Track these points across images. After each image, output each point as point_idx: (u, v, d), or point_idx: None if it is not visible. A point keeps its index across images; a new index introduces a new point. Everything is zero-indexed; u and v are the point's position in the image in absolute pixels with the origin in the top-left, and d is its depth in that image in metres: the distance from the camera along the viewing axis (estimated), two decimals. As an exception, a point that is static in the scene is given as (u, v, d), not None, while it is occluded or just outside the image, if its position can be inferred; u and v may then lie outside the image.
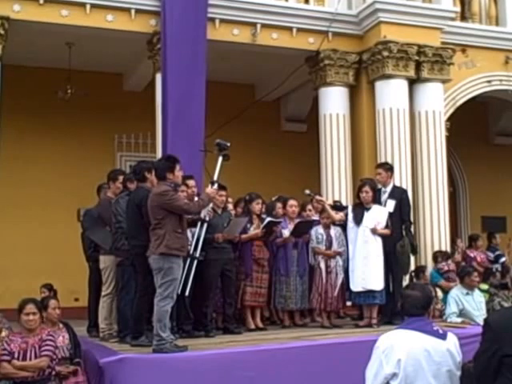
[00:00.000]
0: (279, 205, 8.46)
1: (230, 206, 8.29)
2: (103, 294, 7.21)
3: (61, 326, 6.29)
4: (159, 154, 9.96)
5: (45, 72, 11.83)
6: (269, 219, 7.96)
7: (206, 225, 7.10)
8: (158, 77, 10.44)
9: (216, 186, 6.79)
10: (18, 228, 11.38)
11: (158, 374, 5.83)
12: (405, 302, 4.02)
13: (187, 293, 6.77)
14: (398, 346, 3.79)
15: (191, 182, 7.69)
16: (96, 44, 11.12)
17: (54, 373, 5.78)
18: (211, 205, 7.07)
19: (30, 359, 5.72)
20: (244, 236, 7.82)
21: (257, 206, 8.04)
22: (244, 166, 12.72)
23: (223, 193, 7.72)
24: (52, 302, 6.23)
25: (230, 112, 11.87)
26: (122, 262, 6.96)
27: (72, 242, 11.23)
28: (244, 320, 7.93)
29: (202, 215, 7.12)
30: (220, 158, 6.97)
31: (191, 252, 6.96)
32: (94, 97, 12.09)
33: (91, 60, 11.78)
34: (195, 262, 6.94)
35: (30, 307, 5.86)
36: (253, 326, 7.85)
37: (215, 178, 6.91)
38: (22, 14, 9.83)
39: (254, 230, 7.91)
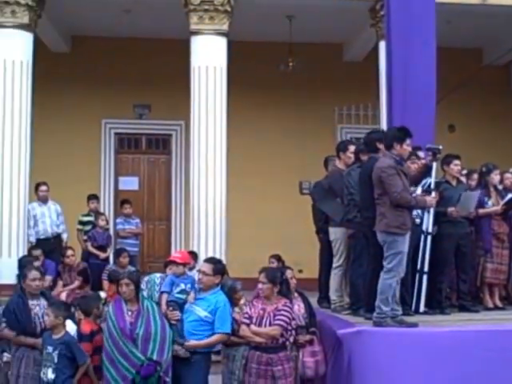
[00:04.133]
0: (498, 177, 7.82)
1: (463, 179, 7.81)
2: (334, 265, 7.14)
3: (296, 295, 6.32)
4: (382, 126, 9.71)
5: (267, 46, 12.06)
6: (510, 195, 7.39)
7: (430, 237, 6.75)
8: (382, 45, 10.12)
9: (434, 194, 6.58)
10: (245, 199, 11.80)
11: (396, 348, 5.67)
12: None
13: (426, 268, 6.51)
14: None
15: (421, 154, 7.35)
16: (316, 15, 11.09)
17: (287, 343, 5.80)
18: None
19: (265, 326, 5.79)
20: (481, 211, 7.34)
21: (495, 178, 7.54)
22: (470, 136, 12.07)
23: (457, 162, 7.28)
24: (288, 272, 6.29)
25: (455, 78, 11.23)
26: (354, 233, 6.84)
27: (294, 215, 11.49)
28: (480, 298, 7.47)
29: (425, 227, 6.76)
30: (434, 164, 6.60)
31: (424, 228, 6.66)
32: (314, 69, 12.15)
33: (311, 32, 11.79)
34: (429, 238, 6.66)
35: (261, 276, 5.93)
36: (491, 305, 7.37)
37: (432, 185, 6.70)
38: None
39: (493, 205, 7.38)
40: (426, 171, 7.09)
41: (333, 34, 12.04)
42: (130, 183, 12.66)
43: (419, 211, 6.86)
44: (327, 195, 7.40)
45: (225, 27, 10.08)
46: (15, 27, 9.79)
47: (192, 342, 5.81)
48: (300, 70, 11.64)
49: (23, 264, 7.37)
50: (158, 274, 6.65)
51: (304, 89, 12.28)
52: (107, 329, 5.80)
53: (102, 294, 7.45)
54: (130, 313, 5.84)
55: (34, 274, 6.10)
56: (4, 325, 5.90)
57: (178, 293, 6.14)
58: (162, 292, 6.19)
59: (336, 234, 7.17)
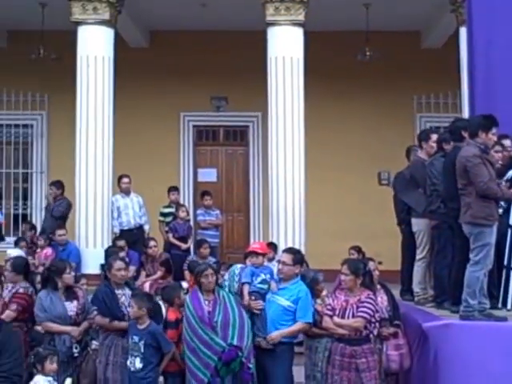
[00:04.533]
0: None
1: None
2: (418, 257, 7.03)
3: (378, 287, 6.27)
4: (464, 115, 9.48)
5: (343, 35, 11.98)
6: None
7: None
8: (462, 30, 9.88)
9: None
10: (323, 190, 11.77)
11: (484, 342, 5.53)
12: None
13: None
14: None
15: (507, 142, 7.11)
16: (393, 2, 10.92)
17: (371, 335, 5.74)
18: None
19: (348, 318, 5.75)
20: None
21: None
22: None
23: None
24: (371, 263, 6.25)
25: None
26: (437, 225, 6.70)
27: (372, 206, 11.39)
28: None
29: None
30: None
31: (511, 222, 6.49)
32: (392, 57, 11.96)
33: (388, 19, 11.61)
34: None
35: (344, 268, 5.89)
36: None
37: None
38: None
39: None
40: (510, 163, 6.88)
41: (410, 21, 11.82)
42: (208, 175, 12.82)
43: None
44: (409, 186, 7.29)
45: (301, 17, 10.04)
46: (97, 23, 10.05)
47: (274, 334, 5.86)
48: (377, 58, 11.47)
49: (109, 254, 7.58)
50: (239, 265, 6.71)
51: (382, 78, 12.12)
52: (185, 319, 5.90)
53: (184, 285, 7.58)
54: (207, 302, 5.93)
55: (119, 264, 6.26)
56: (96, 312, 6.08)
57: (259, 283, 6.19)
58: (243, 283, 6.24)
59: (419, 225, 7.06)
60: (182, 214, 9.87)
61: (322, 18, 11.09)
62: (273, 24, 10.06)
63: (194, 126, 12.94)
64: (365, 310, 5.62)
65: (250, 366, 5.77)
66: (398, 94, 12.12)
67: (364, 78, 12.13)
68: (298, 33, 10.08)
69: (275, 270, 6.42)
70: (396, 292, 7.16)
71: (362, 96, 12.27)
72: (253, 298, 6.07)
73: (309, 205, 9.92)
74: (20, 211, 12.91)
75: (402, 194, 7.40)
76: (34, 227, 10.43)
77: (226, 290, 6.24)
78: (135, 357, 5.79)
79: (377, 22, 11.32)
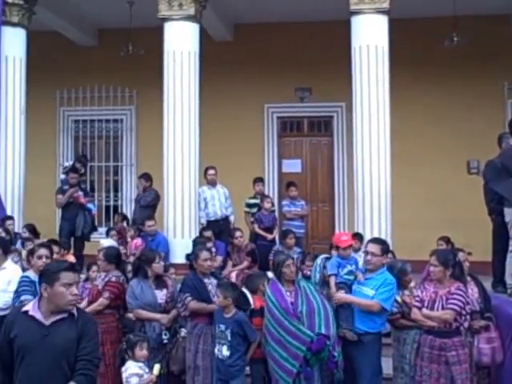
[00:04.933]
0: None
1: None
2: (510, 248, 6.82)
3: (468, 278, 6.12)
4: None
5: (429, 21, 11.67)
6: None
7: None
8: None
9: None
10: (410, 181, 11.55)
11: None
12: None
13: None
14: None
15: None
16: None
17: (462, 328, 5.60)
18: None
19: (437, 310, 5.64)
20: None
21: None
22: None
23: None
24: (460, 254, 6.12)
25: None
26: (531, 215, 6.48)
27: (461, 195, 11.11)
28: None
29: None
30: None
31: None
32: (481, 42, 11.60)
33: (477, 3, 11.21)
34: None
35: (433, 259, 5.79)
36: None
37: None
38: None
39: None
40: None
41: (500, 4, 11.36)
42: (293, 166, 12.82)
43: None
44: (501, 175, 7.05)
45: (385, 5, 9.80)
46: (182, 19, 10.19)
47: (340, 295, 5.88)
48: (465, 44, 11.11)
49: (197, 245, 7.72)
50: (322, 256, 6.70)
51: (470, 64, 11.75)
52: (268, 311, 5.92)
53: (270, 275, 7.63)
54: (288, 293, 5.97)
55: (205, 254, 6.39)
56: (189, 299, 6.21)
57: (346, 274, 6.16)
58: (330, 274, 6.22)
59: (511, 215, 6.83)
60: (266, 204, 9.92)
61: (407, 5, 10.85)
62: (357, 13, 9.88)
63: (278, 118, 12.96)
64: (455, 301, 5.50)
65: (335, 354, 5.77)
66: (488, 80, 11.72)
67: (451, 65, 11.82)
68: (383, 21, 9.85)
69: (361, 261, 6.38)
70: (487, 284, 6.98)
71: (449, 84, 11.94)
72: (342, 291, 6.04)
73: (395, 195, 9.74)
74: (111, 203, 13.35)
75: (494, 184, 7.17)
76: (125, 218, 10.76)
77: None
78: (222, 345, 5.90)
79: (464, 6, 10.95)
